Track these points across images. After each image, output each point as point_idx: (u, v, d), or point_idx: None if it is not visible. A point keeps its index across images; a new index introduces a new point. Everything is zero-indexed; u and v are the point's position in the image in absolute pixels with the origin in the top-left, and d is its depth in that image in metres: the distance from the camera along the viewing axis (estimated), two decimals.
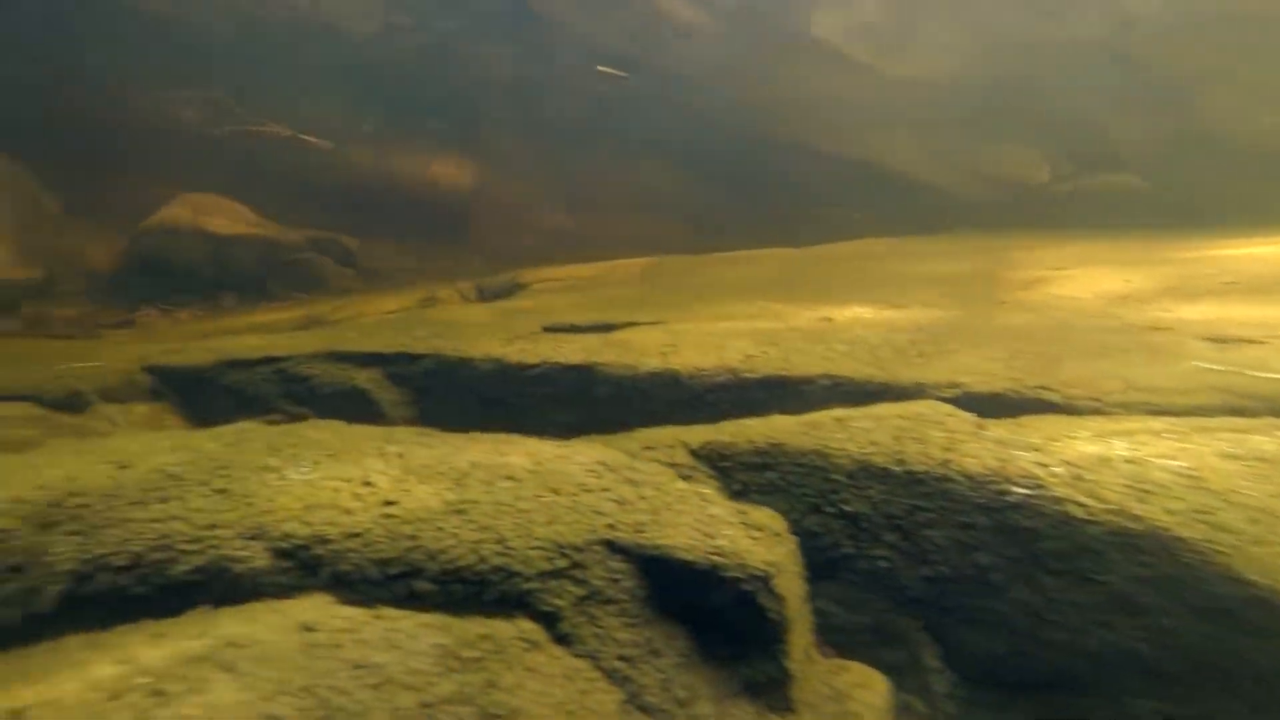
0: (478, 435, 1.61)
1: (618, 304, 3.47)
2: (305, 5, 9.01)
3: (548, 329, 3.01)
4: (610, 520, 1.17)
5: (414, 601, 1.11)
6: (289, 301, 5.70)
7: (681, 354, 2.39)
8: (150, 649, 0.96)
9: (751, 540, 1.11)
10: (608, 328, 2.94)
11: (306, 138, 9.10)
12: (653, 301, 3.44)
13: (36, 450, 1.53)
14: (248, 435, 1.53)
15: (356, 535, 1.20)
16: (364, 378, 2.60)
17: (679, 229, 9.60)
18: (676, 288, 3.85)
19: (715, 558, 1.06)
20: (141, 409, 2.40)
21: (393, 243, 8.44)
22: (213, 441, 1.47)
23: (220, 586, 1.16)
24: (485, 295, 4.88)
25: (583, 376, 2.42)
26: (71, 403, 2.34)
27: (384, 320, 3.49)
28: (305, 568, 1.18)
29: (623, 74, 6.67)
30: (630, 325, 2.90)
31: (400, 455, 1.41)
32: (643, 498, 1.23)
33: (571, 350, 2.50)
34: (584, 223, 10.62)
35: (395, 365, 2.65)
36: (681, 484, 1.29)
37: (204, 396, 2.60)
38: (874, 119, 7.54)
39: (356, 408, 2.56)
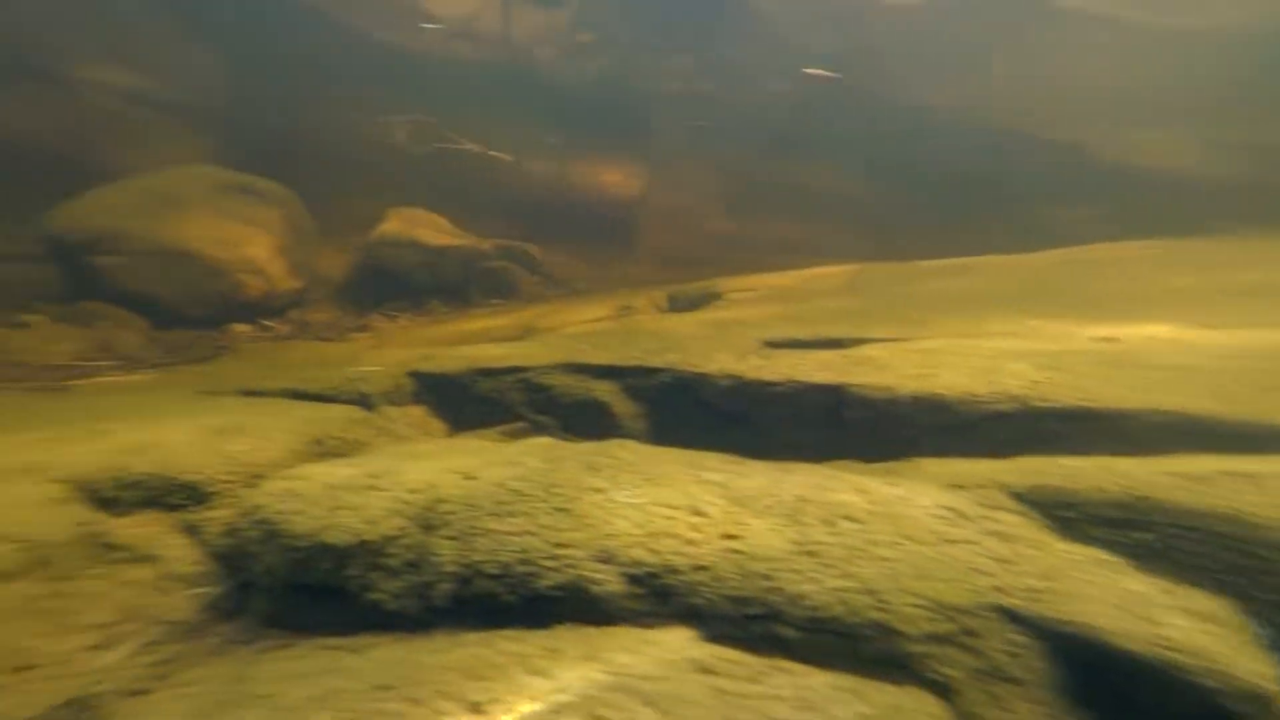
0: (792, 465, 1.55)
1: (835, 317, 3.31)
2: (493, 36, 9.76)
3: (770, 344, 2.93)
4: (996, 581, 1.05)
5: (781, 648, 1.06)
6: (489, 307, 6.14)
7: (943, 376, 2.19)
8: (556, 665, 0.99)
9: (1212, 638, 0.92)
10: (836, 344, 2.80)
11: (493, 152, 9.89)
12: (876, 315, 3.24)
13: (377, 454, 1.71)
14: (560, 453, 1.59)
15: (704, 569, 1.18)
16: (602, 390, 2.68)
17: (852, 232, 9.18)
18: (895, 299, 3.60)
19: (1170, 654, 0.90)
20: (415, 411, 2.65)
21: (566, 248, 8.84)
22: (533, 457, 1.54)
23: (579, 605, 1.19)
24: (678, 305, 4.91)
25: (831, 397, 2.30)
26: (363, 403, 2.63)
27: (597, 330, 3.60)
28: (657, 596, 1.18)
29: (833, 74, 6.43)
30: (863, 341, 2.74)
31: (721, 484, 1.39)
32: (1022, 556, 1.10)
33: (816, 368, 2.39)
34: (746, 226, 10.53)
35: (631, 378, 2.70)
36: (1065, 543, 1.13)
37: (457, 401, 2.81)
38: (1110, 96, 6.65)
39: (594, 419, 2.65)
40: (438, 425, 2.74)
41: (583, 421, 2.65)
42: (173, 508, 1.60)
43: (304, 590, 1.23)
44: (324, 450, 1.84)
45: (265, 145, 8.58)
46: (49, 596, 1.31)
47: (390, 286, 5.89)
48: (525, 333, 4.12)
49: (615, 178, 10.35)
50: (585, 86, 9.72)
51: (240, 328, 4.69)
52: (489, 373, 2.83)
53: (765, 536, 1.21)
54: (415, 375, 2.94)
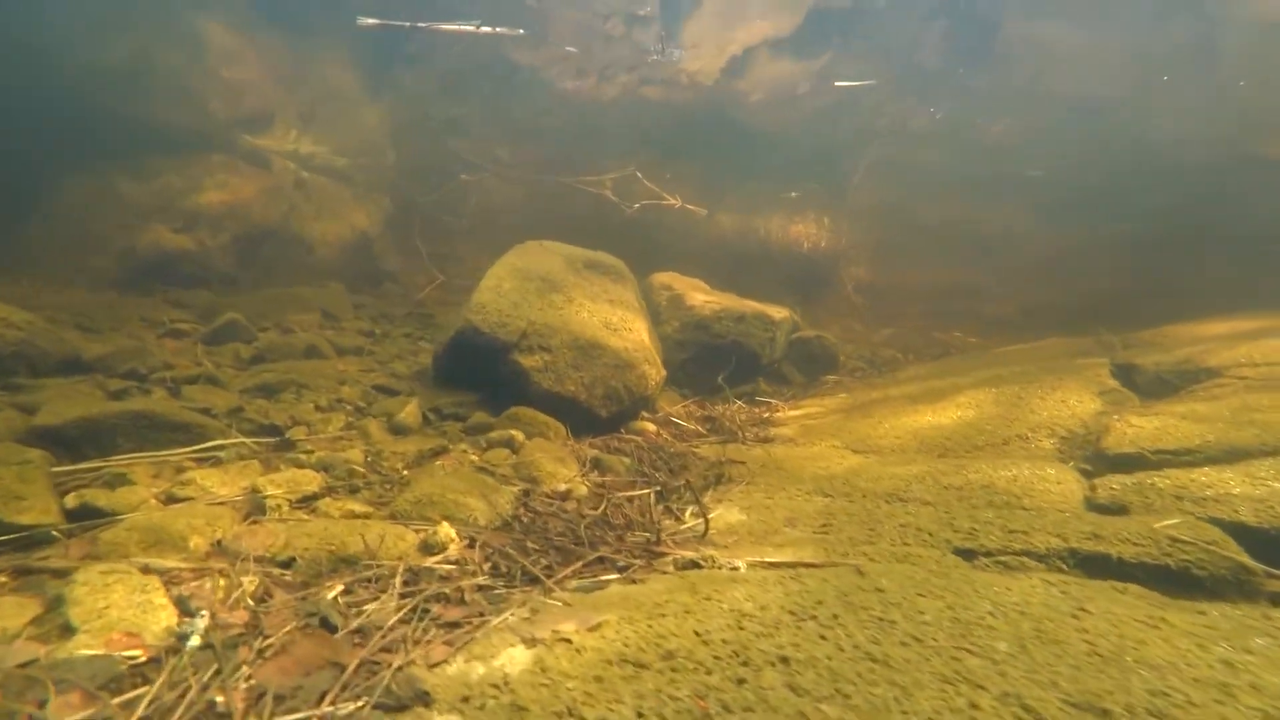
0: None
1: None
2: (697, 96, 9.34)
3: None
4: None
5: None
6: (827, 385, 5.37)
7: None
8: None
9: None
10: None
11: (689, 206, 9.36)
12: None
13: None
14: None
15: None
16: None
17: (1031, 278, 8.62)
18: None
19: None
20: None
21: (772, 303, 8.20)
22: None
23: None
24: (1144, 382, 4.13)
25: None
26: (1250, 592, 1.84)
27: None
28: None
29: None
30: None
31: None
32: None
33: None
34: (938, 273, 10.00)
35: None
36: None
37: None
38: None
39: None
40: None
41: None
42: None
43: None
44: None
45: (431, 207, 8.09)
46: None
47: (717, 364, 5.13)
48: (1055, 438, 3.31)
49: (807, 229, 9.84)
50: (793, 130, 9.25)
51: (646, 425, 3.91)
52: None
53: None
54: (1224, 526, 2.15)
